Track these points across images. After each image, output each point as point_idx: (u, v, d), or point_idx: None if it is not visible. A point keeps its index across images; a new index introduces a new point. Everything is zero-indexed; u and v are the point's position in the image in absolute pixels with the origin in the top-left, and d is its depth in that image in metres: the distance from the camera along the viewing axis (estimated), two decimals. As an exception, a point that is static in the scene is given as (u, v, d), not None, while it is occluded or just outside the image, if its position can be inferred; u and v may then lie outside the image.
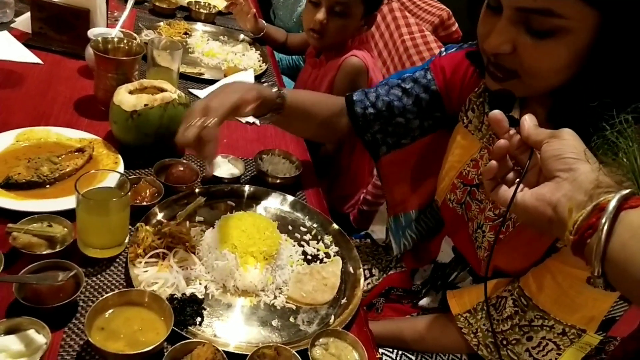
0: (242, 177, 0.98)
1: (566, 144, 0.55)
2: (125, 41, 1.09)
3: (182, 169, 0.91)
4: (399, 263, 1.11)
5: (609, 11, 0.60)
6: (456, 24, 1.83)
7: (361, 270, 0.84)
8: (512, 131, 0.60)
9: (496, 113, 0.60)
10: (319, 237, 0.90)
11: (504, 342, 0.80)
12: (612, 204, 0.49)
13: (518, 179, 0.59)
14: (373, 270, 1.11)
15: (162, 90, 0.99)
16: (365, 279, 1.10)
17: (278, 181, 0.97)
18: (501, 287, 0.82)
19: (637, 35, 0.61)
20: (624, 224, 0.48)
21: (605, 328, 0.74)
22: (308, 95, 1.04)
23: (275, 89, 0.94)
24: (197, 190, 0.90)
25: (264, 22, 1.55)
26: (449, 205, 0.94)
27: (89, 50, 1.15)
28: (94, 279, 0.72)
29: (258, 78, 1.38)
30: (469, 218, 0.91)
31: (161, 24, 1.50)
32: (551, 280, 0.74)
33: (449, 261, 1.02)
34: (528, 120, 0.59)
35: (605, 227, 0.48)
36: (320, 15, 1.29)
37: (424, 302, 1.02)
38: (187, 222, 0.84)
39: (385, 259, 1.13)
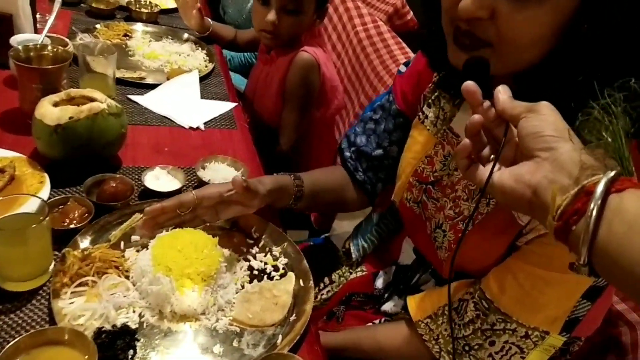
0: (184, 188, 0.91)
1: (545, 119, 0.51)
2: (49, 47, 1.01)
3: (115, 184, 0.84)
4: (359, 267, 1.07)
5: None
6: (411, 13, 1.79)
7: (311, 283, 0.79)
8: (487, 104, 0.55)
9: (469, 84, 0.55)
10: (267, 249, 0.84)
11: (466, 348, 0.76)
12: (600, 188, 0.45)
13: (493, 157, 0.55)
14: (333, 277, 1.06)
15: (91, 100, 0.91)
16: (325, 286, 1.06)
17: (221, 190, 0.90)
18: (463, 289, 0.79)
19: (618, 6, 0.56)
20: (612, 209, 0.45)
21: (569, 329, 0.71)
22: (323, 175, 1.00)
23: (292, 177, 0.92)
24: (132, 206, 0.83)
25: (209, 20, 1.47)
26: (406, 205, 0.91)
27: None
28: (13, 316, 0.65)
29: (204, 79, 1.31)
30: (426, 217, 0.87)
31: (98, 26, 1.41)
32: (512, 280, 0.71)
33: (410, 263, 0.98)
34: (502, 92, 0.54)
35: (594, 213, 0.45)
36: (271, 16, 1.24)
37: (387, 307, 0.98)
38: (122, 243, 0.77)
39: (346, 263, 1.08)
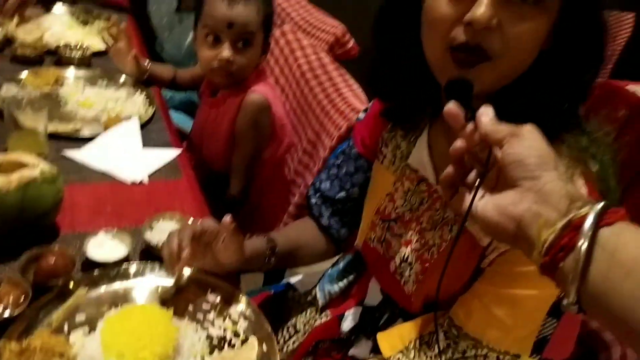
0: (131, 254, 0.85)
1: (528, 145, 0.49)
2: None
3: (54, 259, 0.77)
4: (323, 312, 1.05)
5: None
6: (352, 40, 1.81)
7: (275, 346, 0.76)
8: (470, 127, 0.53)
9: (451, 106, 0.53)
10: (225, 313, 0.80)
11: None
12: (589, 222, 0.43)
13: (475, 186, 0.53)
14: (297, 325, 1.04)
15: (21, 165, 0.84)
16: (290, 337, 1.03)
17: (172, 254, 0.85)
18: (432, 321, 0.78)
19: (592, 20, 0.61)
20: (603, 246, 0.43)
21: (539, 349, 0.72)
22: (295, 231, 1.01)
23: (264, 238, 0.91)
24: (74, 281, 0.77)
25: (147, 62, 1.42)
26: (369, 246, 0.91)
27: None
28: None
29: (145, 125, 1.25)
30: (390, 256, 0.87)
31: (25, 74, 1.32)
32: (479, 304, 0.72)
33: (377, 304, 0.97)
34: (485, 115, 0.52)
35: (583, 250, 0.43)
36: (226, 52, 1.20)
37: (355, 351, 0.95)
38: (65, 326, 0.71)
39: (310, 309, 1.05)
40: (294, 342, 1.01)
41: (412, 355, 0.79)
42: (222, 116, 1.32)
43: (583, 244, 0.43)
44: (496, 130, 0.51)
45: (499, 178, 0.51)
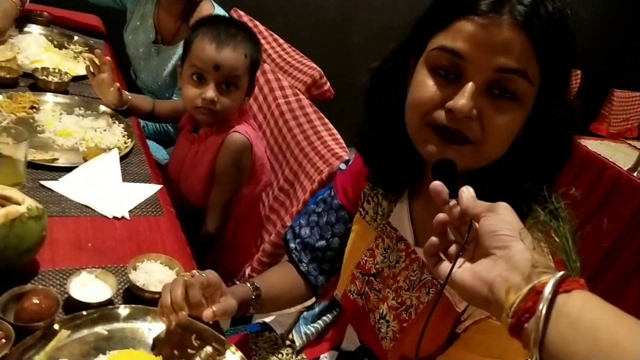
0: (115, 294, 0.84)
1: (502, 219, 0.55)
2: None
3: (37, 300, 0.75)
4: (299, 354, 1.06)
5: (548, 77, 0.65)
6: (328, 83, 1.86)
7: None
8: (453, 202, 0.59)
9: (436, 184, 0.60)
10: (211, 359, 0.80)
11: None
12: (548, 289, 0.48)
13: (455, 255, 0.58)
14: (273, 365, 1.04)
15: (5, 199, 0.82)
16: (265, 381, 1.03)
17: (157, 297, 0.84)
18: None
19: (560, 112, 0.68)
20: (560, 310, 0.48)
21: None
22: (277, 277, 1.02)
23: (249, 286, 0.92)
24: (57, 324, 0.75)
25: (127, 93, 1.41)
26: (349, 297, 0.94)
27: None
28: None
29: (124, 157, 1.24)
30: (369, 309, 0.90)
31: (1, 97, 1.28)
32: None
33: (354, 350, 0.99)
34: (466, 193, 0.59)
35: (543, 313, 0.48)
36: (211, 93, 1.22)
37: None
38: (48, 370, 0.69)
39: (285, 350, 1.06)
40: (269, 387, 1.02)
41: None
42: (202, 153, 1.32)
43: (542, 308, 0.48)
44: (475, 206, 0.57)
45: (475, 249, 0.57)
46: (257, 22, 2.02)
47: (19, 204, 0.81)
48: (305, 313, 1.08)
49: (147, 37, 1.77)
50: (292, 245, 1.02)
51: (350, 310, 0.96)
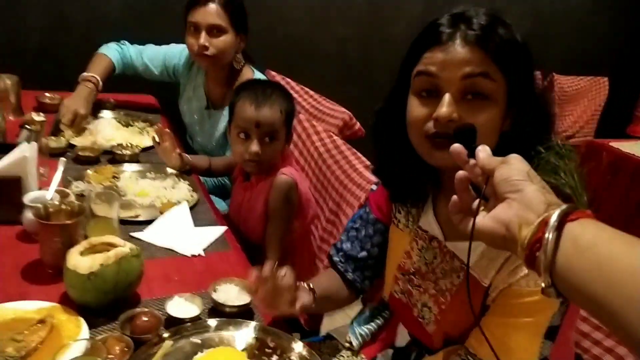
0: (202, 312, 1.04)
1: (513, 167, 0.62)
2: (65, 202, 1.15)
3: (146, 318, 0.96)
4: (358, 354, 1.21)
5: (510, 83, 0.83)
6: (358, 123, 2.07)
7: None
8: (472, 162, 0.67)
9: (456, 146, 0.68)
10: (285, 356, 0.97)
11: None
12: (553, 219, 0.54)
13: (477, 205, 0.65)
14: (336, 365, 1.20)
15: (110, 245, 1.05)
16: (332, 381, 1.19)
17: (236, 310, 1.04)
18: (454, 353, 0.96)
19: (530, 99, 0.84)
20: (566, 237, 0.53)
21: None
22: (326, 280, 1.17)
23: (306, 286, 1.06)
24: (163, 335, 0.95)
25: (187, 156, 1.66)
26: (395, 297, 1.09)
27: (27, 216, 1.20)
28: None
29: (192, 208, 1.47)
30: (412, 304, 1.05)
31: (89, 172, 1.56)
32: (488, 334, 0.85)
33: (405, 344, 1.14)
34: (482, 151, 0.66)
35: (549, 241, 0.53)
36: (254, 147, 1.44)
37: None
38: (161, 370, 0.89)
39: (346, 354, 1.22)
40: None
41: None
42: (255, 197, 1.54)
43: (549, 236, 0.53)
44: (490, 161, 0.65)
45: (493, 201, 0.64)
46: (288, 79, 2.29)
47: (122, 248, 1.04)
48: (357, 318, 1.23)
49: (199, 104, 2.05)
50: (336, 258, 1.18)
51: (397, 307, 1.11)
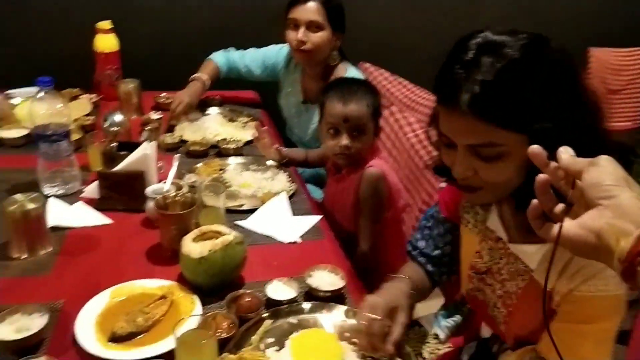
0: (298, 295, 1.14)
1: (604, 171, 0.56)
2: (181, 194, 1.31)
3: (249, 299, 1.08)
4: (446, 344, 1.25)
5: (532, 133, 0.77)
6: (451, 113, 2.05)
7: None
8: (554, 164, 0.61)
9: (534, 148, 0.63)
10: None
11: None
12: None
13: (564, 210, 0.60)
14: (424, 353, 1.25)
15: (218, 233, 1.18)
16: (420, 361, 1.25)
17: (329, 294, 1.13)
18: (527, 354, 0.97)
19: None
20: None
21: None
22: (415, 273, 1.20)
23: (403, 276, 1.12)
24: (264, 315, 1.06)
25: (284, 149, 1.78)
26: (470, 294, 1.12)
27: (149, 205, 1.37)
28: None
29: (290, 197, 1.57)
30: (487, 302, 1.07)
31: (198, 165, 1.73)
32: (556, 339, 0.84)
33: (489, 335, 1.16)
34: (564, 152, 0.61)
35: None
36: (344, 141, 1.52)
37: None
38: (261, 345, 1.00)
39: (433, 342, 1.26)
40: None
41: None
42: (346, 189, 1.62)
43: None
44: (574, 162, 0.60)
45: (580, 206, 0.59)
46: (382, 70, 2.31)
47: (227, 235, 1.17)
48: (441, 312, 1.27)
49: (297, 99, 2.17)
50: (414, 253, 1.22)
51: (474, 304, 1.13)
